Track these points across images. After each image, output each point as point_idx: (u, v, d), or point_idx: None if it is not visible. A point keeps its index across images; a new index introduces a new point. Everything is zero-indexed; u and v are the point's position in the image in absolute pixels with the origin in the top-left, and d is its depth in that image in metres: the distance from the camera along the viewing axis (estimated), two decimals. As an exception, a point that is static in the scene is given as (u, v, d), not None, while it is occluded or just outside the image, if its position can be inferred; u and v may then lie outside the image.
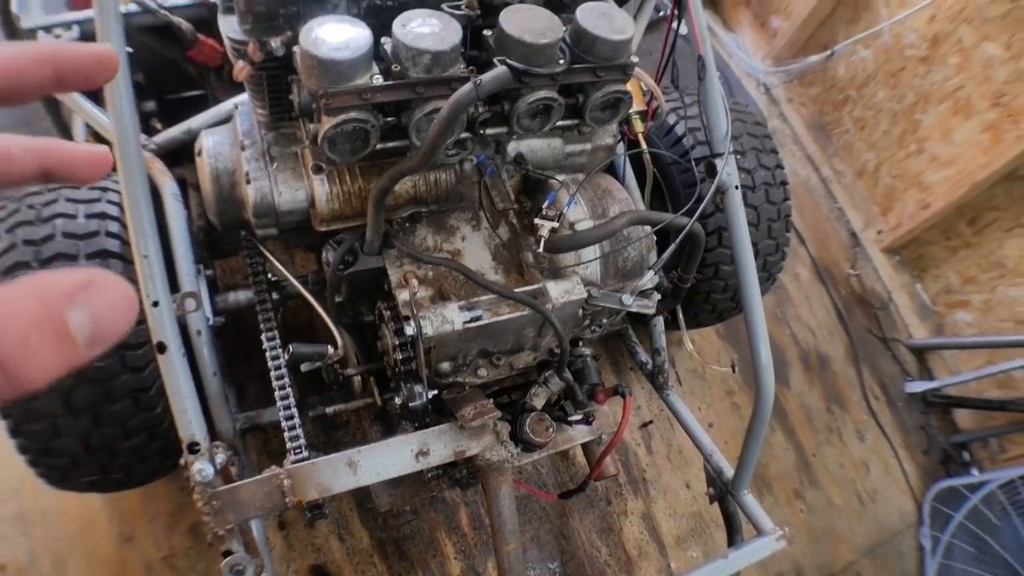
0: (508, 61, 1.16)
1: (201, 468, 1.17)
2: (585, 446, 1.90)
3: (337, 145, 1.21)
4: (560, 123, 1.37)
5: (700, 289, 2.03)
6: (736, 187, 1.59)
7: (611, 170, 1.88)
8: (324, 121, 1.16)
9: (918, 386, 2.84)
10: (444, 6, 1.25)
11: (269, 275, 1.69)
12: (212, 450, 1.20)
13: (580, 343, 1.69)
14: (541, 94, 1.24)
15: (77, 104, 1.67)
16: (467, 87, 1.10)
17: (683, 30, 1.82)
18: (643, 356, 2.14)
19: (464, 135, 1.31)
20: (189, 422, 1.18)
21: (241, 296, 1.72)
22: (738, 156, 1.95)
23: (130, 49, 1.81)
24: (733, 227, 1.60)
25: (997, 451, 2.82)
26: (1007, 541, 2.46)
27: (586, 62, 1.27)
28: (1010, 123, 2.47)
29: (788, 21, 3.17)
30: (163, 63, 1.93)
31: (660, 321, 2.01)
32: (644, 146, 1.85)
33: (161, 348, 1.17)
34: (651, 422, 2.46)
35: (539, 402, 1.53)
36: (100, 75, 0.43)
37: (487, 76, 1.12)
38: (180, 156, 1.72)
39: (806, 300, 2.91)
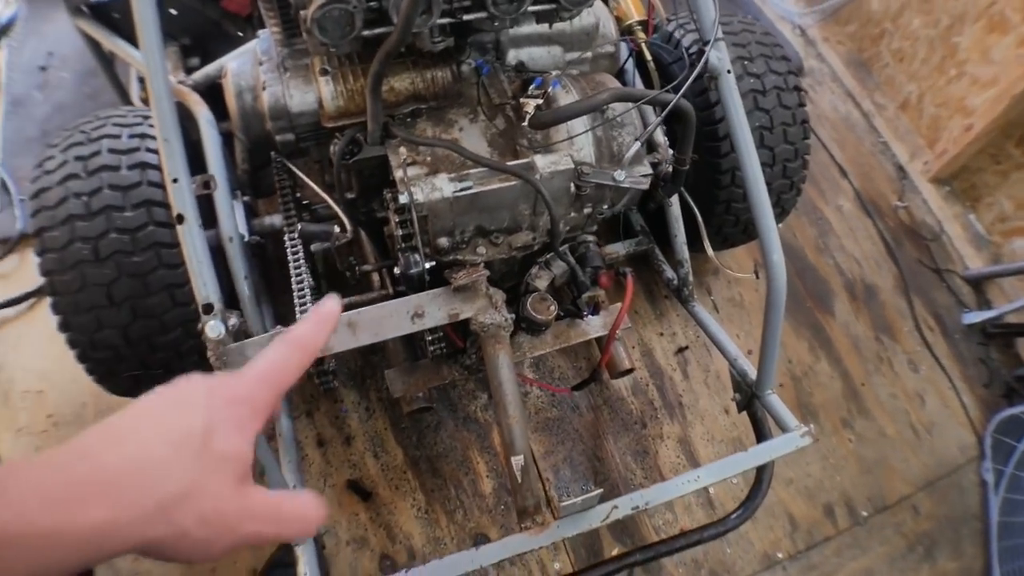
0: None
1: (213, 325, 1.29)
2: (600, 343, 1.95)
3: (327, 29, 1.33)
4: (538, 7, 1.45)
5: (719, 198, 2.05)
6: (728, 72, 1.62)
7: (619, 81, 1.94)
8: (311, 4, 1.28)
9: (976, 316, 2.72)
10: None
11: (298, 195, 1.84)
12: (224, 313, 1.32)
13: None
14: (512, -31, 1.32)
15: (125, 52, 1.87)
16: (429, -47, 1.20)
17: None
18: (669, 273, 2.16)
19: (446, 20, 1.40)
20: (204, 284, 1.31)
21: (276, 219, 1.87)
22: (746, 61, 1.97)
23: (173, 11, 2.03)
24: (728, 110, 1.62)
25: (1067, 381, 2.66)
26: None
27: (552, -57, 1.35)
28: (1048, 32, 2.37)
29: (819, -41, 3.14)
30: (206, 25, 2.13)
31: (680, 231, 2.03)
32: (647, 54, 1.90)
33: (180, 219, 1.31)
34: (687, 347, 2.47)
35: (541, 283, 1.60)
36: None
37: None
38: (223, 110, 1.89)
39: (850, 231, 2.85)
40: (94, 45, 2.04)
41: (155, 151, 1.64)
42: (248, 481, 0.57)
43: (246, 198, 1.90)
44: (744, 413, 1.84)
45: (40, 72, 2.86)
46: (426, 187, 1.39)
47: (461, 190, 1.41)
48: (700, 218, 1.96)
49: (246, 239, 1.76)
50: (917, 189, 3.00)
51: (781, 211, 2.20)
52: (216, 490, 0.54)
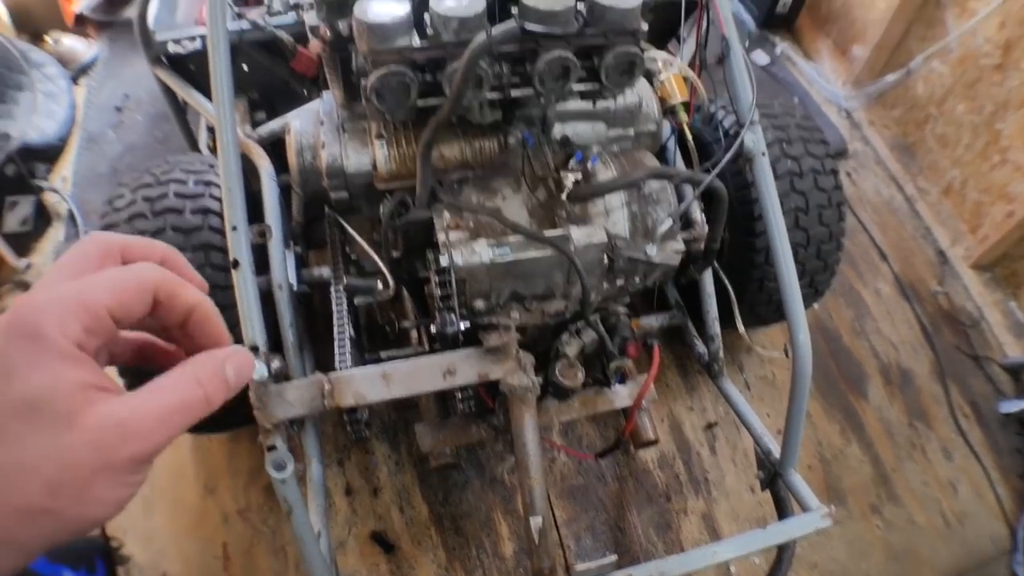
0: (521, 22, 1.36)
1: (257, 367, 1.36)
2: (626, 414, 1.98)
3: (384, 98, 1.43)
4: (582, 86, 1.54)
5: (752, 277, 2.09)
6: (763, 154, 1.68)
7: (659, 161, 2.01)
8: (371, 75, 1.39)
9: (1014, 405, 2.66)
10: (475, -14, 1.47)
11: (347, 249, 1.94)
12: (268, 356, 1.40)
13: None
14: (556, 53, 1.41)
15: (197, 102, 2.01)
16: (480, 36, 1.30)
17: (762, 60, 1.87)
18: (701, 348, 2.19)
19: (495, 95, 1.50)
20: (252, 328, 1.38)
21: (325, 271, 1.96)
22: (784, 143, 2.03)
23: (245, 67, 2.18)
24: (761, 192, 1.67)
25: (1109, 478, 2.58)
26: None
27: (597, 28, 1.44)
28: (1091, 122, 2.39)
29: (865, 46, 3.21)
30: (274, 81, 2.28)
31: (713, 307, 2.07)
32: (688, 133, 1.98)
33: (235, 264, 1.39)
34: (716, 424, 2.47)
35: (571, 350, 1.65)
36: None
37: (497, 28, 1.32)
38: (284, 163, 2.01)
39: (887, 315, 2.84)
40: (169, 93, 2.19)
41: (218, 198, 1.76)
42: (88, 406, 0.46)
43: (298, 249, 2.00)
44: (768, 492, 1.84)
45: (115, 112, 3.06)
46: (466, 251, 1.46)
47: (499, 256, 1.48)
48: (733, 295, 1.99)
49: (294, 288, 1.86)
50: (957, 274, 2.98)
51: (815, 292, 2.22)
52: (39, 445, 0.43)
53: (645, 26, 1.46)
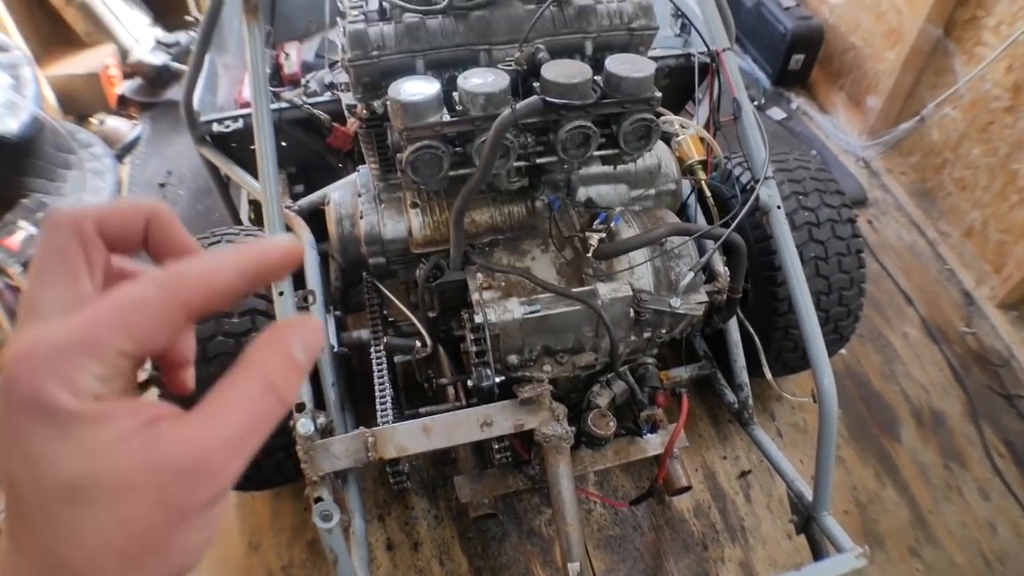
0: (543, 96, 1.47)
1: (304, 423, 1.45)
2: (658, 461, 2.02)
3: (419, 170, 1.55)
4: (603, 152, 1.64)
5: (777, 324, 2.14)
6: (778, 207, 1.76)
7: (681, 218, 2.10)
8: (406, 149, 1.50)
9: (1050, 444, 2.65)
10: (499, 66, 1.59)
11: (385, 312, 2.04)
12: (314, 413, 1.49)
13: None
14: (576, 123, 1.52)
15: (242, 179, 2.15)
16: (506, 111, 1.42)
17: (778, 116, 1.98)
18: (730, 397, 2.24)
19: (521, 163, 1.61)
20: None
21: (364, 333, 2.06)
22: (799, 195, 2.11)
23: (284, 143, 2.33)
24: (778, 242, 1.76)
25: None
26: None
27: (614, 97, 1.55)
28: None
29: (878, 96, 3.31)
30: (310, 156, 2.44)
31: (740, 356, 2.13)
32: (707, 191, 2.07)
33: (283, 330, 1.50)
34: (749, 471, 2.49)
35: (602, 401, 1.72)
36: (289, 268, 0.47)
37: (521, 103, 1.43)
38: (322, 232, 2.13)
39: (916, 358, 2.86)
40: (213, 169, 2.34)
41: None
42: (135, 458, 0.37)
43: (338, 313, 2.11)
44: (803, 536, 1.86)
45: (159, 188, 3.25)
46: (499, 309, 1.55)
47: (530, 313, 1.56)
48: (759, 344, 2.05)
49: (335, 350, 1.95)
50: (984, 315, 2.99)
51: (840, 338, 2.27)
52: (99, 526, 0.36)
53: (659, 93, 1.56)
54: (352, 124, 1.65)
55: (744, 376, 2.15)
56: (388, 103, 1.52)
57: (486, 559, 2.23)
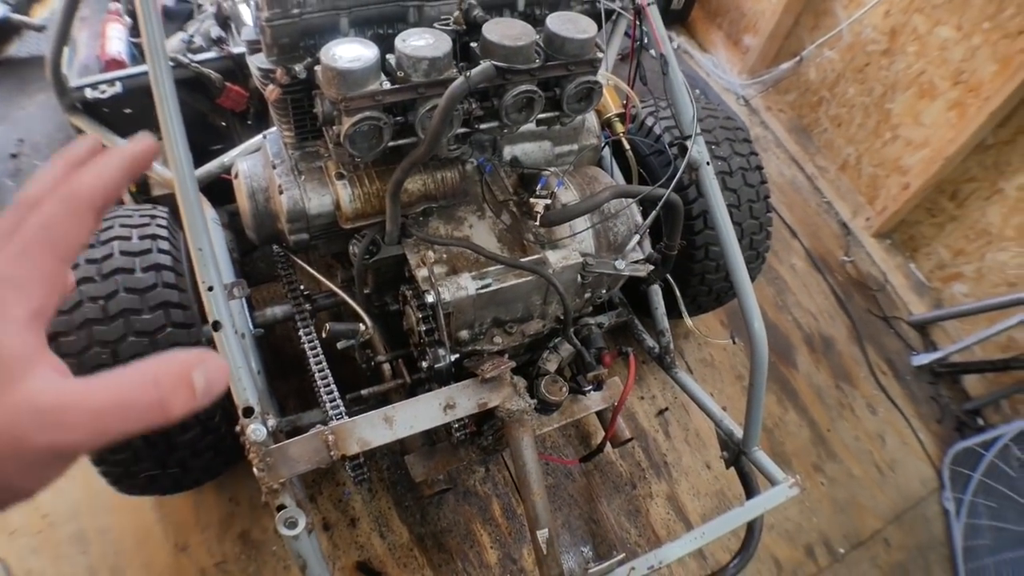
0: (494, 62, 1.39)
1: (255, 428, 1.33)
2: (602, 416, 2.07)
3: (357, 143, 1.43)
4: (543, 115, 1.59)
5: (694, 271, 2.21)
6: (707, 163, 1.79)
7: (599, 168, 2.09)
8: (345, 122, 1.38)
9: (924, 358, 2.96)
10: (435, 25, 1.48)
11: (302, 286, 1.91)
12: (264, 415, 1.38)
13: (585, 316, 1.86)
14: (523, 88, 1.45)
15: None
16: (459, 80, 1.32)
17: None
18: (650, 342, 2.30)
19: (462, 130, 1.52)
20: (244, 389, 1.36)
21: (277, 310, 1.92)
22: (712, 145, 2.15)
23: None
24: (709, 198, 1.79)
25: (1010, 413, 2.90)
26: (1028, 491, 2.54)
27: (558, 59, 1.49)
28: (972, 97, 2.66)
29: (757, 36, 3.43)
30: (192, 117, 2.19)
31: (660, 303, 2.18)
32: (626, 144, 2.06)
33: (216, 326, 1.36)
34: (667, 409, 2.60)
35: (551, 366, 1.71)
36: (147, 163, 0.52)
37: (475, 70, 1.34)
38: (215, 199, 1.95)
39: (804, 288, 3.07)
40: (85, 140, 2.07)
41: (165, 251, 1.69)
42: (21, 381, 0.41)
43: (247, 291, 1.95)
44: (730, 469, 1.97)
45: (11, 160, 2.83)
46: (451, 286, 1.49)
47: (482, 288, 1.51)
48: (678, 292, 2.10)
49: (252, 331, 1.81)
50: (861, 243, 3.25)
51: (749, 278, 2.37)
52: None
53: (601, 54, 1.52)
54: (272, 91, 1.49)
55: (665, 323, 2.21)
56: (320, 70, 1.38)
57: (426, 525, 2.21)
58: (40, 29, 3.17)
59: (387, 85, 1.39)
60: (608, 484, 2.41)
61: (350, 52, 1.35)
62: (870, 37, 2.96)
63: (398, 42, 1.39)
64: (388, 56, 1.43)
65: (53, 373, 0.42)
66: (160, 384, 0.43)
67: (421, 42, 1.39)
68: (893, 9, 2.84)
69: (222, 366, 0.47)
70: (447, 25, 1.48)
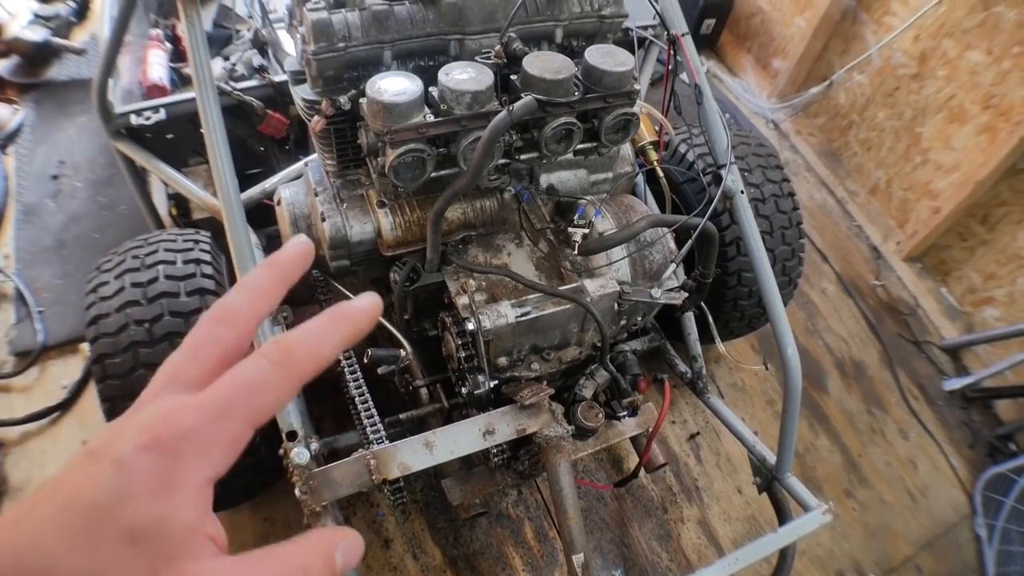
0: (534, 96, 1.42)
1: (299, 452, 1.37)
2: (635, 441, 2.08)
3: (401, 173, 1.47)
4: (581, 146, 1.62)
5: (727, 297, 2.22)
6: (741, 192, 1.80)
7: (633, 195, 2.11)
8: (389, 153, 1.42)
9: (955, 383, 2.93)
10: (476, 59, 1.52)
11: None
12: (307, 439, 1.41)
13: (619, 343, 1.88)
14: (562, 120, 1.48)
15: (166, 174, 1.98)
16: (502, 114, 1.36)
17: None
18: (682, 367, 2.31)
19: (502, 161, 1.56)
20: (288, 413, 1.40)
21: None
22: (745, 172, 2.17)
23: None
24: (743, 227, 1.80)
25: (1043, 439, 2.87)
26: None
27: (597, 92, 1.52)
28: (1003, 121, 2.66)
29: (786, 60, 3.45)
30: (233, 143, 2.25)
31: (693, 329, 2.19)
32: (659, 172, 2.09)
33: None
34: (698, 433, 2.60)
35: (587, 392, 1.73)
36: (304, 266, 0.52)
37: (517, 104, 1.38)
38: (254, 222, 1.99)
39: (835, 312, 3.06)
40: (129, 165, 2.13)
41: (209, 276, 1.74)
42: (182, 559, 0.40)
43: (285, 315, 1.99)
44: (762, 494, 1.97)
45: (52, 181, 2.90)
46: (492, 314, 1.51)
47: (522, 315, 1.54)
48: (711, 317, 2.11)
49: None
50: (892, 267, 3.23)
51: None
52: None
53: (638, 86, 1.55)
54: (317, 123, 1.53)
55: (698, 348, 2.21)
56: (365, 103, 1.42)
57: (459, 547, 2.22)
58: (80, 52, 3.27)
59: (430, 118, 1.42)
60: (639, 508, 2.41)
61: (395, 85, 1.39)
62: (900, 61, 2.97)
63: (441, 75, 1.42)
64: (431, 88, 1.47)
65: (212, 547, 0.42)
66: (309, 570, 0.44)
67: (464, 75, 1.43)
68: (923, 34, 2.85)
69: (359, 543, 0.48)
70: (488, 58, 1.52)
